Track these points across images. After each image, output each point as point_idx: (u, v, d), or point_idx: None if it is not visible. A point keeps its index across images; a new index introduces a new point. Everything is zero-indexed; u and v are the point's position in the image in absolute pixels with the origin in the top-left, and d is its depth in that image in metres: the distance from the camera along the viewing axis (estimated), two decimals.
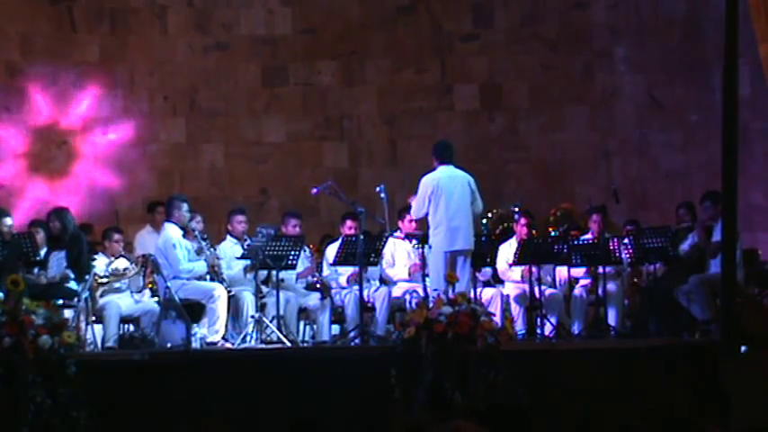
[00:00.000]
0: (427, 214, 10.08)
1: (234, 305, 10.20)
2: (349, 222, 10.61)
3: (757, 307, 9.50)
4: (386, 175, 12.70)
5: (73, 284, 9.91)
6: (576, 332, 10.62)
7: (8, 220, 10.15)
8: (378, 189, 10.57)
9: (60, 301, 9.60)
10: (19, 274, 8.50)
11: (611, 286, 10.68)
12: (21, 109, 13.71)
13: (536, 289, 10.41)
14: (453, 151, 10.31)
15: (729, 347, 8.00)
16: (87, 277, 9.78)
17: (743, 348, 8.09)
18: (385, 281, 10.76)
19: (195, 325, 9.93)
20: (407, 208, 10.63)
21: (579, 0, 14.07)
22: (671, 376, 8.76)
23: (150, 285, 10.59)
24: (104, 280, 10.12)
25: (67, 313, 9.48)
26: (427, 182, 10.12)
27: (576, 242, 10.90)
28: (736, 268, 8.93)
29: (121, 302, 10.09)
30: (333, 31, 14.12)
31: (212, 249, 10.46)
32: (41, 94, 13.73)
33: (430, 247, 10.33)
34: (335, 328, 10.74)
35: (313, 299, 10.60)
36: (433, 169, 10.20)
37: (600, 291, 10.59)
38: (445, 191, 10.02)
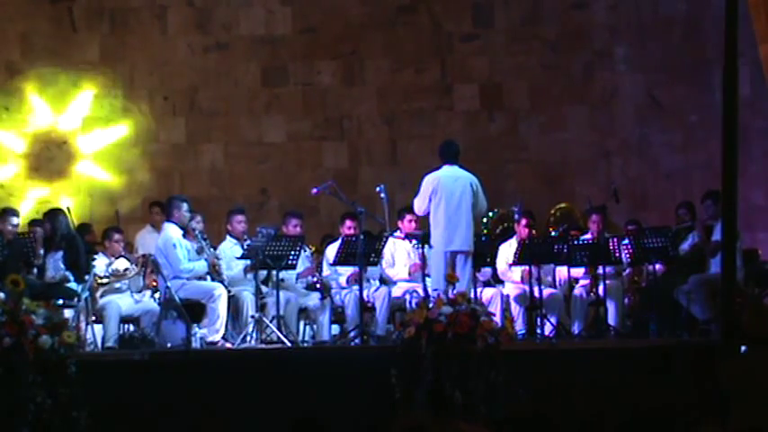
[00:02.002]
0: (428, 212, 10.10)
1: (234, 305, 10.19)
2: (349, 222, 10.61)
3: (757, 307, 9.49)
4: (386, 175, 12.69)
5: (73, 284, 9.92)
6: (576, 332, 10.62)
7: (14, 220, 10.20)
8: (378, 189, 10.57)
9: (60, 301, 9.61)
10: (20, 274, 8.51)
11: (611, 286, 10.68)
12: (21, 109, 13.72)
13: (536, 289, 10.41)
14: (458, 151, 10.32)
15: (729, 347, 8.00)
16: (87, 277, 9.78)
17: (743, 348, 8.09)
18: (385, 281, 10.76)
19: (195, 325, 9.93)
20: (407, 208, 10.64)
21: (579, 0, 14.07)
22: (671, 376, 8.75)
23: (153, 284, 10.58)
24: (104, 281, 10.12)
25: (67, 313, 9.48)
26: (428, 180, 10.15)
27: (576, 242, 10.90)
28: (736, 268, 8.95)
29: (121, 302, 10.08)
30: (333, 31, 14.11)
31: (212, 249, 10.46)
32: (41, 95, 13.73)
33: (431, 247, 10.35)
34: (335, 328, 10.74)
35: (313, 299, 10.60)
36: (438, 168, 10.22)
37: (600, 291, 10.59)
38: (445, 190, 10.04)
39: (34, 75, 13.72)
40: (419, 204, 10.21)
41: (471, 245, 10.08)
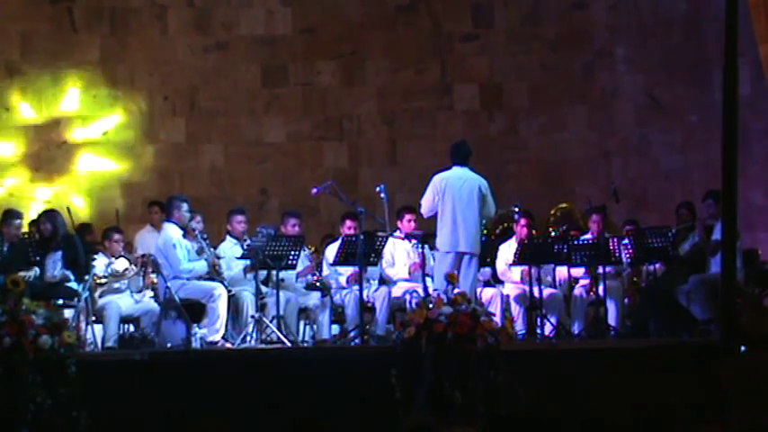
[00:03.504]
0: (434, 212, 10.10)
1: (234, 305, 10.20)
2: (349, 222, 10.61)
3: (757, 307, 9.50)
4: (386, 175, 12.70)
5: (73, 284, 9.92)
6: (576, 332, 10.63)
7: (17, 222, 10.24)
8: (378, 189, 10.57)
9: (60, 301, 9.62)
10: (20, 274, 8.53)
11: (611, 286, 10.68)
12: (21, 109, 13.71)
13: (536, 289, 10.41)
14: (468, 152, 10.29)
15: (729, 347, 8.00)
16: (87, 277, 9.78)
17: (743, 348, 8.09)
18: (385, 281, 10.76)
19: (195, 325, 9.93)
20: (407, 208, 10.64)
21: (579, 0, 14.07)
22: (671, 376, 8.75)
23: (153, 284, 10.57)
24: (104, 280, 10.12)
25: (67, 313, 9.48)
26: (436, 181, 10.15)
27: (575, 242, 10.90)
28: (736, 268, 8.94)
29: (121, 302, 10.09)
30: (333, 31, 14.12)
31: (212, 249, 10.46)
32: (41, 95, 13.73)
33: (431, 248, 10.35)
34: (335, 328, 10.74)
35: (313, 298, 10.60)
36: (447, 168, 10.21)
37: (600, 291, 10.59)
38: (452, 192, 10.03)
39: (34, 75, 13.72)
40: (424, 204, 10.20)
41: (478, 247, 10.08)
